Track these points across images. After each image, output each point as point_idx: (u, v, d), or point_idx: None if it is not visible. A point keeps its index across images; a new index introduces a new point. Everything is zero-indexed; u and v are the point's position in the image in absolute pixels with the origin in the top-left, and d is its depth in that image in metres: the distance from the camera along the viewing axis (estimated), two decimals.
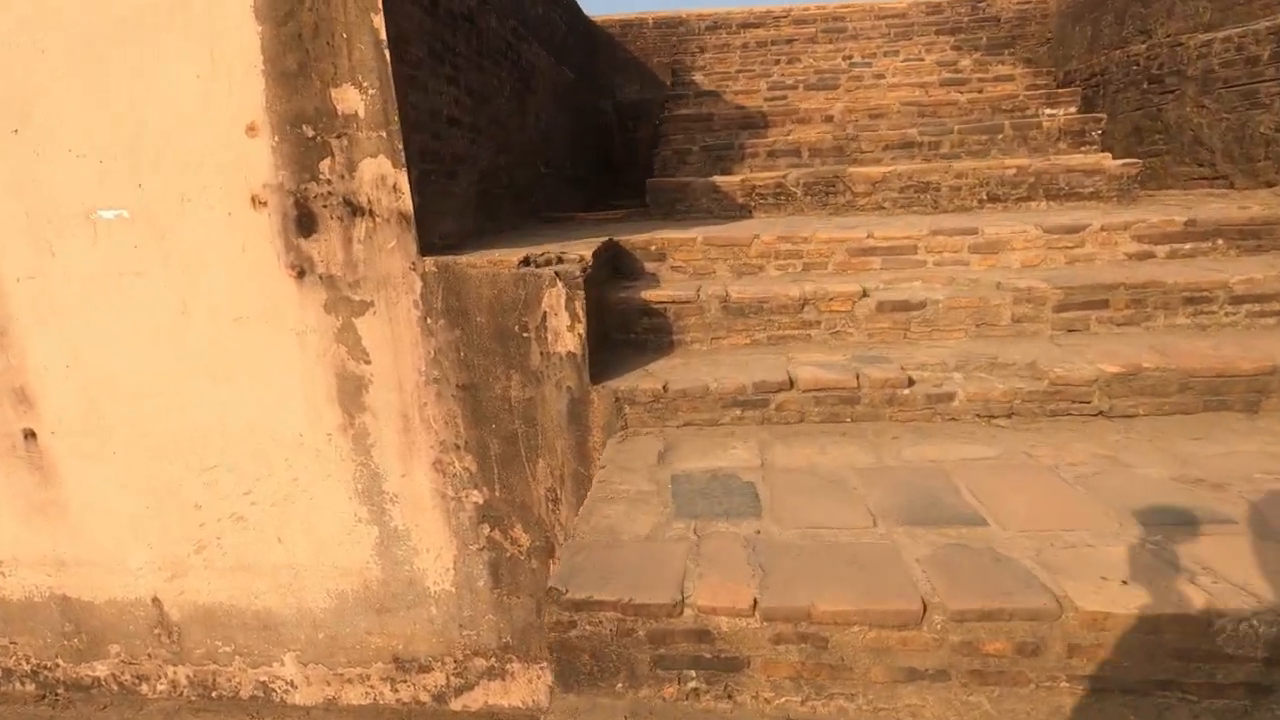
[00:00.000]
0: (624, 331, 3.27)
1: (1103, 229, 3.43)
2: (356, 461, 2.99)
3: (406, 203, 2.70)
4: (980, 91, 5.67)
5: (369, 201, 2.73)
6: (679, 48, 7.18)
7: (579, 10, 7.85)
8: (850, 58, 6.55)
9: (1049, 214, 4.02)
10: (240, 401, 2.97)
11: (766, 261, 3.55)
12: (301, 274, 2.81)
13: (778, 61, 6.64)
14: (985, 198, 4.54)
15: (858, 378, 2.69)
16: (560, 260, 2.85)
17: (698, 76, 6.75)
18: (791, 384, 2.72)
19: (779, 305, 3.17)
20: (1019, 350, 2.87)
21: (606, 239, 3.56)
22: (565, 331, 2.76)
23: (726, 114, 5.54)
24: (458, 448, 2.92)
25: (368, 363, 2.91)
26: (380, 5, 2.52)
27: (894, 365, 2.79)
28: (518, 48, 4.41)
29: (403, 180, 2.67)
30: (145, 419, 3.04)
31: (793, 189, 4.71)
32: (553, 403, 2.82)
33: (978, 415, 2.66)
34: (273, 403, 2.96)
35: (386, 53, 2.55)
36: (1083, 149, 4.87)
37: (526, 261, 2.78)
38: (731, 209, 4.81)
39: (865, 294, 3.15)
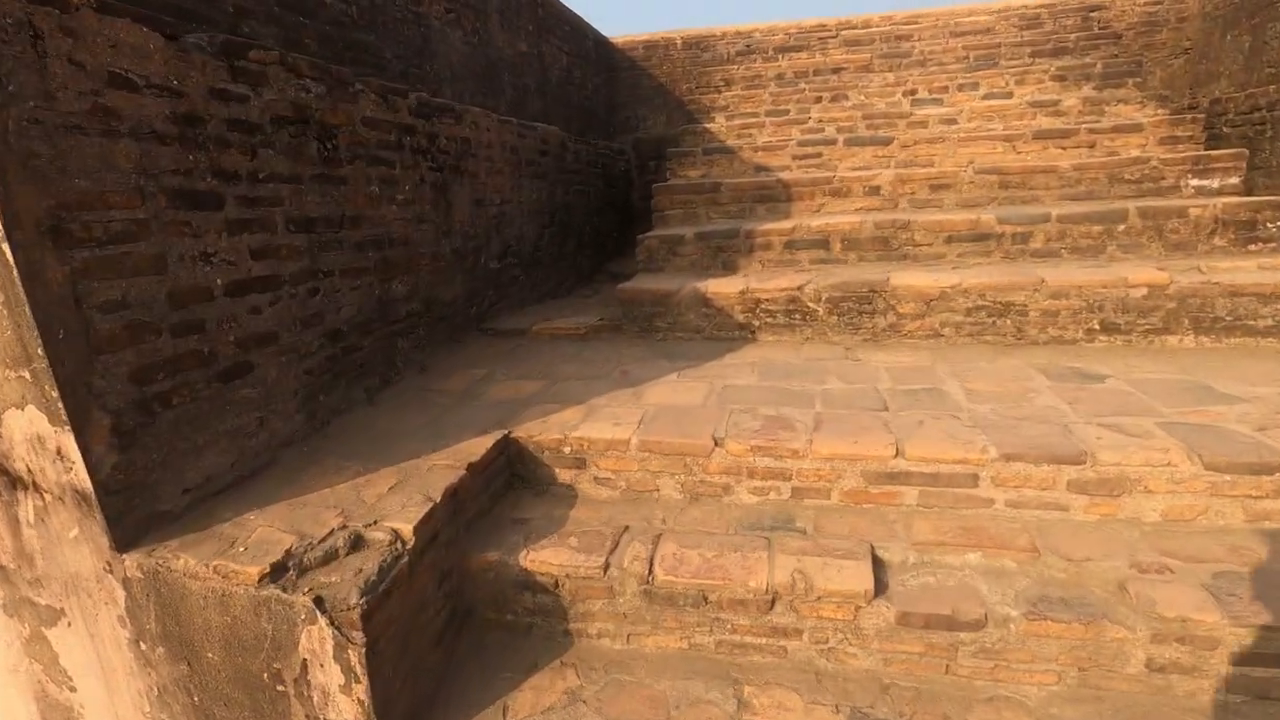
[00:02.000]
0: (498, 609, 2.12)
1: None
2: None
3: (82, 475, 1.63)
4: (1092, 147, 4.14)
5: (28, 471, 1.68)
6: (701, 79, 5.91)
7: (587, 34, 6.68)
8: (913, 93, 5.09)
9: (1203, 370, 2.56)
10: None
11: (734, 481, 2.30)
12: None
13: (819, 99, 5.26)
14: (1096, 327, 3.10)
15: None
16: (345, 554, 1.73)
17: (717, 121, 5.46)
18: None
19: (733, 599, 1.93)
20: None
21: (499, 436, 2.42)
22: (338, 693, 1.64)
23: (738, 183, 4.26)
24: None
25: (72, 689, 1.89)
26: None
27: None
28: (435, 122, 3.31)
29: (70, 444, 1.61)
30: None
31: (812, 305, 3.40)
32: None
33: None
34: None
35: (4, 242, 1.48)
36: (1252, 248, 3.32)
37: (278, 571, 1.66)
38: (727, 330, 3.55)
39: (880, 591, 1.86)
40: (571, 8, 6.42)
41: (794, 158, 4.58)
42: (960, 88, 4.98)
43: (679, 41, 7.42)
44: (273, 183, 2.24)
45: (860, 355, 3.22)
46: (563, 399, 2.82)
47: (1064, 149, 4.16)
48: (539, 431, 2.45)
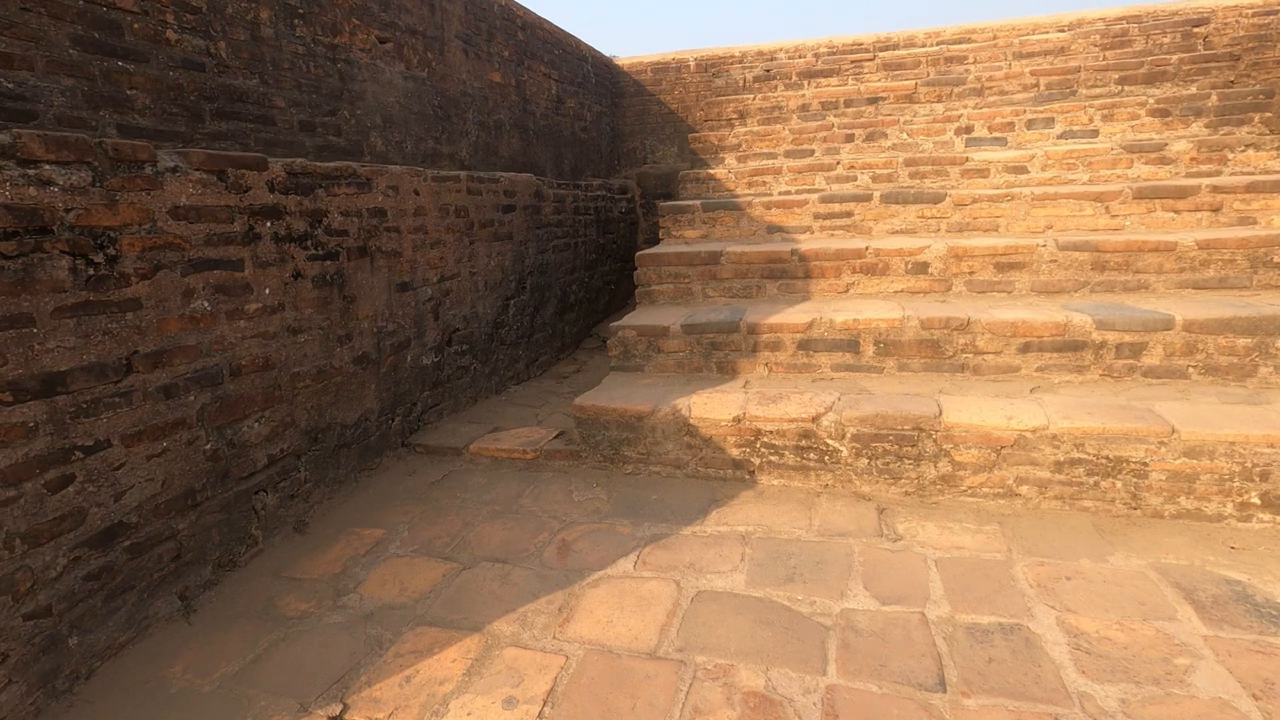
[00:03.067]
0: None
1: None
2: None
3: None
4: (1217, 211, 3.10)
5: None
6: (710, 110, 5.00)
7: (584, 58, 5.84)
8: (968, 130, 4.11)
9: None
10: None
11: None
12: None
13: (850, 137, 4.30)
14: (1255, 502, 2.10)
15: None
16: None
17: (727, 163, 4.54)
18: None
19: None
20: None
21: None
22: None
23: (743, 253, 3.33)
24: None
25: None
26: None
27: None
28: (322, 195, 2.48)
29: None
30: None
31: (833, 444, 2.46)
32: None
33: None
34: None
35: None
36: None
37: None
38: (717, 467, 2.63)
39: None
40: (570, 30, 5.60)
41: (816, 217, 3.64)
42: (1029, 124, 3.98)
43: (692, 63, 6.54)
44: None
45: (900, 527, 2.26)
46: (459, 610, 1.94)
47: (1178, 213, 3.14)
48: (390, 711, 1.57)
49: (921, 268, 3.11)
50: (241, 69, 2.58)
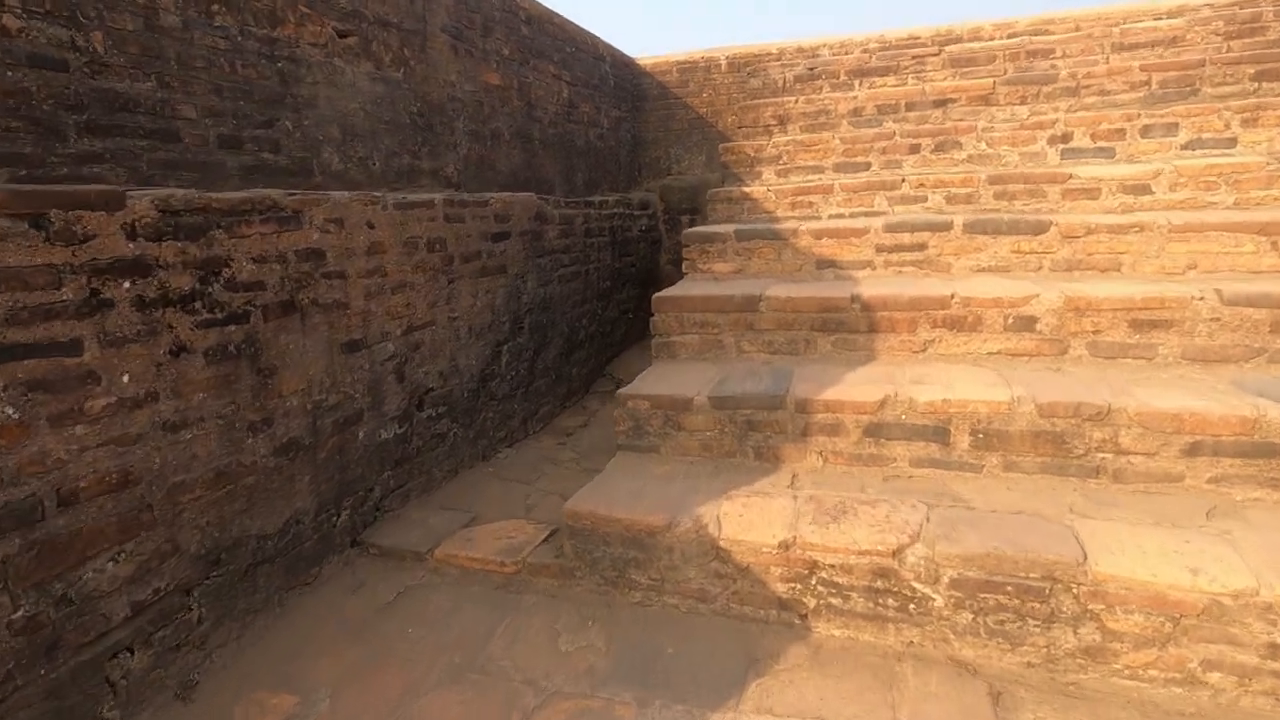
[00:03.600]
0: None
1: None
2: None
3: None
4: None
5: None
6: (745, 116, 4.29)
7: (601, 57, 5.17)
8: (1065, 139, 3.33)
9: None
10: None
11: None
12: None
13: (915, 147, 3.56)
14: None
15: None
16: None
17: (765, 178, 3.82)
18: None
19: None
20: None
21: None
22: None
23: (789, 298, 2.62)
24: None
25: None
26: None
27: None
28: (220, 238, 1.84)
29: None
30: None
31: (923, 589, 1.74)
32: None
33: None
34: None
35: None
36: None
37: None
38: (755, 604, 1.94)
39: None
40: (585, 25, 4.94)
41: (880, 250, 2.91)
42: (1144, 131, 3.19)
43: (724, 62, 5.83)
44: None
45: None
46: None
47: None
48: None
49: (1027, 323, 2.36)
50: (128, 69, 1.95)
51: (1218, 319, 2.18)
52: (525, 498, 2.78)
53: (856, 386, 2.25)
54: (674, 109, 6.02)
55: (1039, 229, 2.70)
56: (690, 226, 4.16)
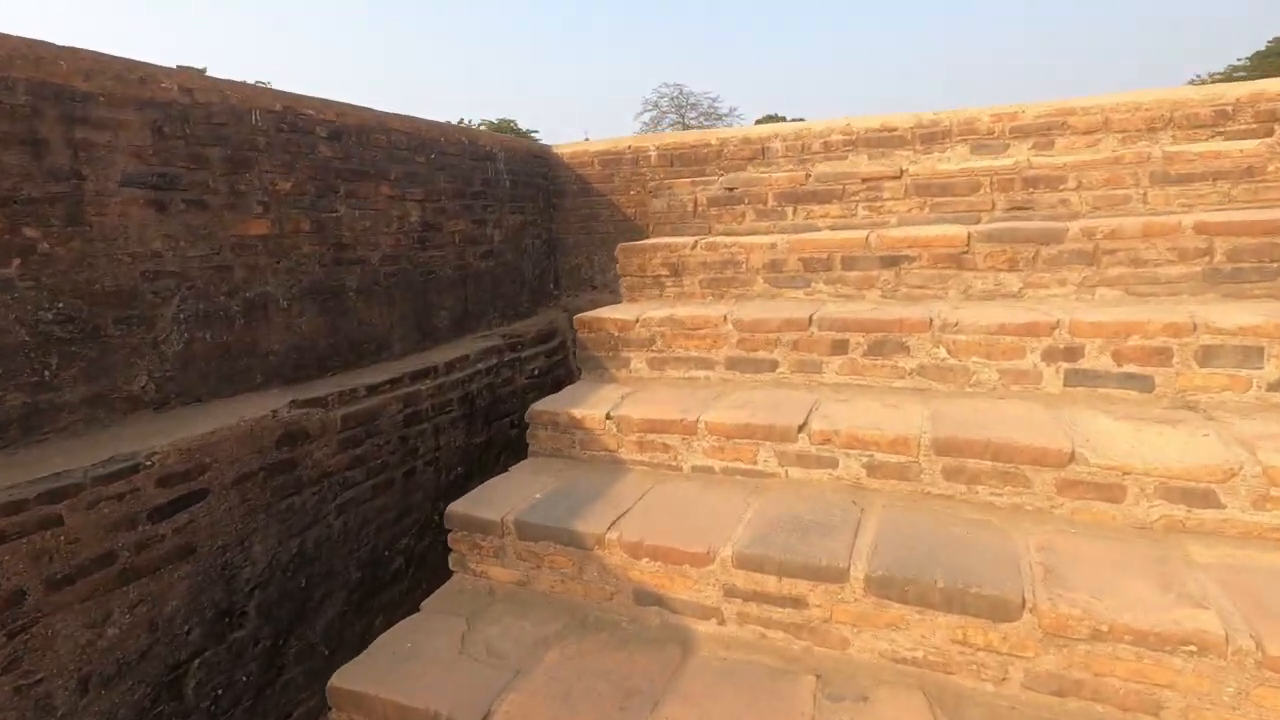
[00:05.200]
0: None
1: None
2: None
3: None
4: None
5: None
6: (630, 261, 3.12)
7: (493, 155, 4.06)
8: (1073, 354, 2.06)
9: None
10: None
11: None
12: None
13: (841, 345, 2.33)
14: None
15: None
16: None
17: (634, 370, 2.64)
18: None
19: None
20: None
21: None
22: None
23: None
24: None
25: None
26: None
27: None
28: None
29: None
30: None
31: None
32: None
33: None
34: None
35: None
36: None
37: None
38: None
39: None
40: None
41: (728, 594, 1.69)
42: (1205, 355, 1.91)
43: (653, 154, 4.68)
44: None
45: None
46: None
47: None
48: None
49: None
50: None
51: None
52: None
53: None
54: (597, 208, 4.89)
55: (1001, 609, 1.45)
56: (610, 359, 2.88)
